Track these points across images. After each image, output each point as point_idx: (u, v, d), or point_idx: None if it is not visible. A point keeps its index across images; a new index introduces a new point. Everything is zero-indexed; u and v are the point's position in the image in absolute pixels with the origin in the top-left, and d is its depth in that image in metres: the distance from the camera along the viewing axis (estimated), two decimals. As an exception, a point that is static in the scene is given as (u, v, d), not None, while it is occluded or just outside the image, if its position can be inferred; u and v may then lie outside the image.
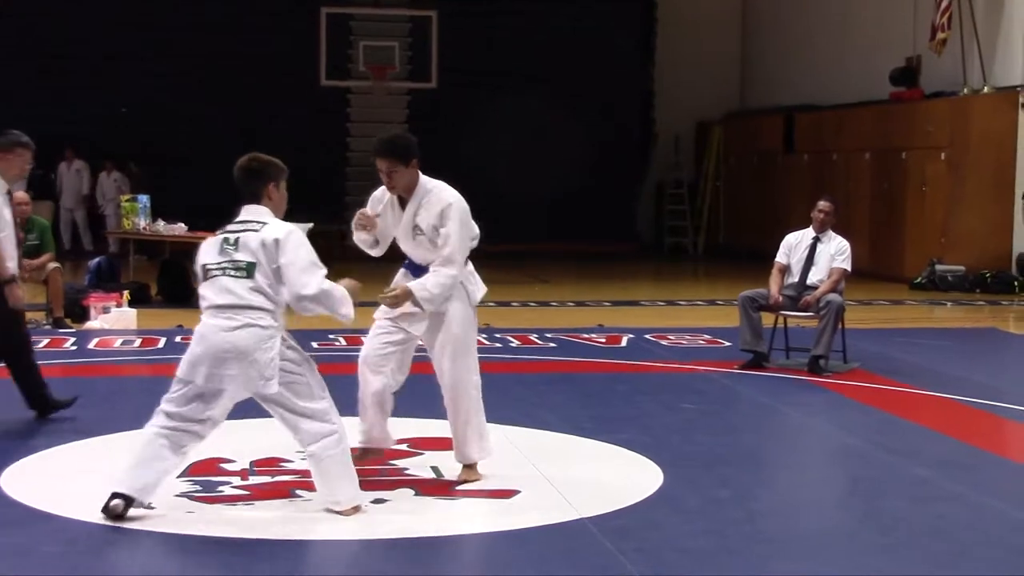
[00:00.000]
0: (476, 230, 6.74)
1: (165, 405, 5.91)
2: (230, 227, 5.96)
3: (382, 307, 6.54)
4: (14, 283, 8.00)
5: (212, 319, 5.81)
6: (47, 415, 8.06)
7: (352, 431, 6.46)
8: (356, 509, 5.97)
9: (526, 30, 24.61)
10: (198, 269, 5.99)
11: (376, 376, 6.76)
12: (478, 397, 6.77)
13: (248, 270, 5.82)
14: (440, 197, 6.52)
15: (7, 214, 8.02)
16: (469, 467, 6.72)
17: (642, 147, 25.61)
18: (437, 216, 6.52)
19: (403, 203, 6.62)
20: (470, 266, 6.76)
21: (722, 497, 6.45)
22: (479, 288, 6.80)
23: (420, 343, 6.77)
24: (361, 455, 6.70)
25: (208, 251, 5.94)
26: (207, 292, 5.88)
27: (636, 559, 5.36)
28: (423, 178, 6.62)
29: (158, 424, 5.89)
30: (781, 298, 10.45)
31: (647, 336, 12.27)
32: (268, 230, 5.87)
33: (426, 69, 24.11)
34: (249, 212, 5.98)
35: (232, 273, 5.83)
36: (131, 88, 22.76)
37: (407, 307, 6.42)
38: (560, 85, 24.49)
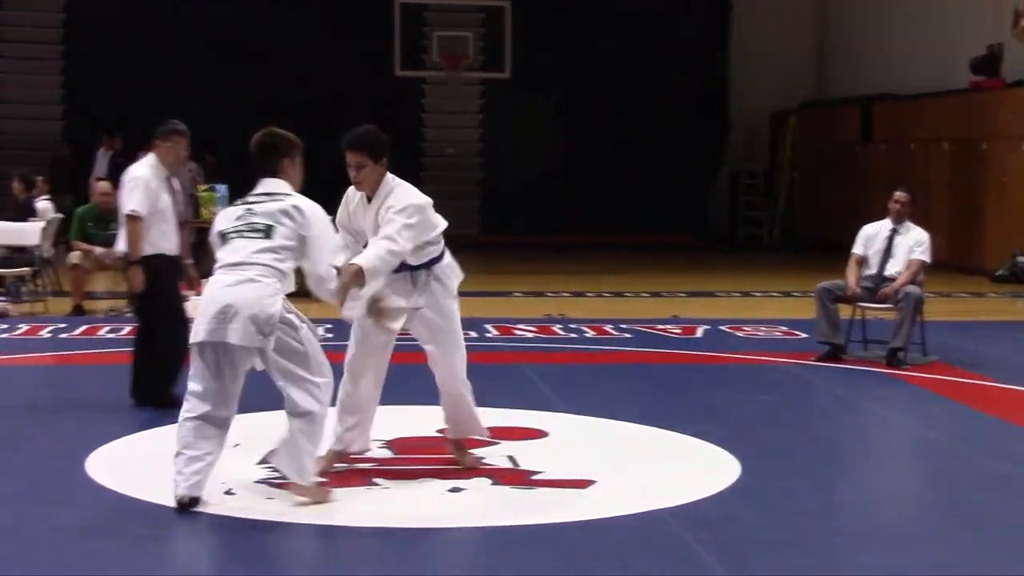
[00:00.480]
0: (439, 225, 6.46)
1: (190, 385, 5.95)
2: (249, 198, 6.04)
3: (357, 308, 6.22)
4: (137, 266, 8.19)
5: (219, 276, 5.90)
6: (145, 404, 8.14)
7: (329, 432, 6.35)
8: (321, 493, 5.94)
9: (599, 19, 24.54)
10: (215, 239, 6.03)
11: (361, 381, 6.58)
12: (467, 383, 6.74)
13: (266, 231, 5.88)
14: (402, 197, 6.26)
15: (166, 199, 8.25)
16: (461, 448, 6.74)
17: (716, 137, 25.45)
18: None
19: (370, 201, 6.40)
20: (448, 258, 6.57)
21: (800, 489, 6.41)
22: (456, 277, 6.66)
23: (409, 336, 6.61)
24: (334, 458, 6.56)
25: (225, 218, 6.03)
26: (221, 254, 5.96)
27: (713, 550, 5.35)
28: (389, 176, 6.39)
29: (189, 411, 5.92)
30: (859, 289, 10.35)
31: (722, 327, 12.20)
32: (290, 200, 5.95)
33: (499, 59, 24.12)
34: (267, 185, 6.06)
35: (247, 234, 5.90)
36: (205, 78, 23.03)
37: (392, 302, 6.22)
38: (632, 74, 24.40)
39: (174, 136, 8.43)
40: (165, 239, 8.24)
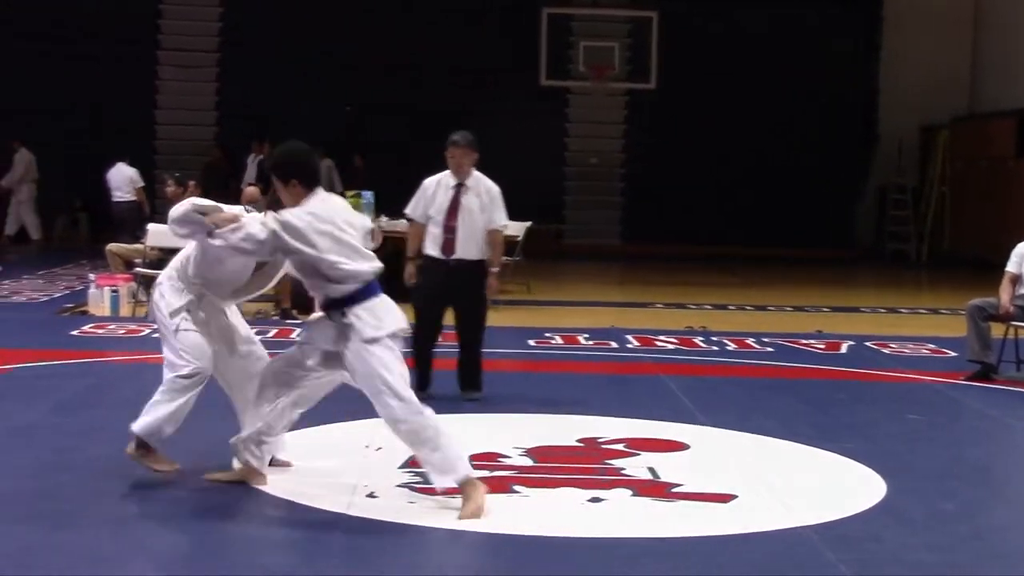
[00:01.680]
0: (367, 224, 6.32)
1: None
2: None
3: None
4: (410, 262, 8.86)
5: None
6: None
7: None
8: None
9: (746, 30, 24.31)
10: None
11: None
12: None
13: None
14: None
15: (442, 203, 8.75)
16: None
17: (863, 150, 25.00)
18: None
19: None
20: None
21: (948, 511, 6.26)
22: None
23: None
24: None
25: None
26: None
27: (858, 570, 5.25)
28: None
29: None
30: (1012, 308, 10.07)
31: (868, 344, 11.98)
32: None
33: (645, 69, 24.04)
34: None
35: None
36: (353, 86, 23.42)
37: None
38: (779, 85, 24.13)
39: (448, 148, 8.86)
40: None
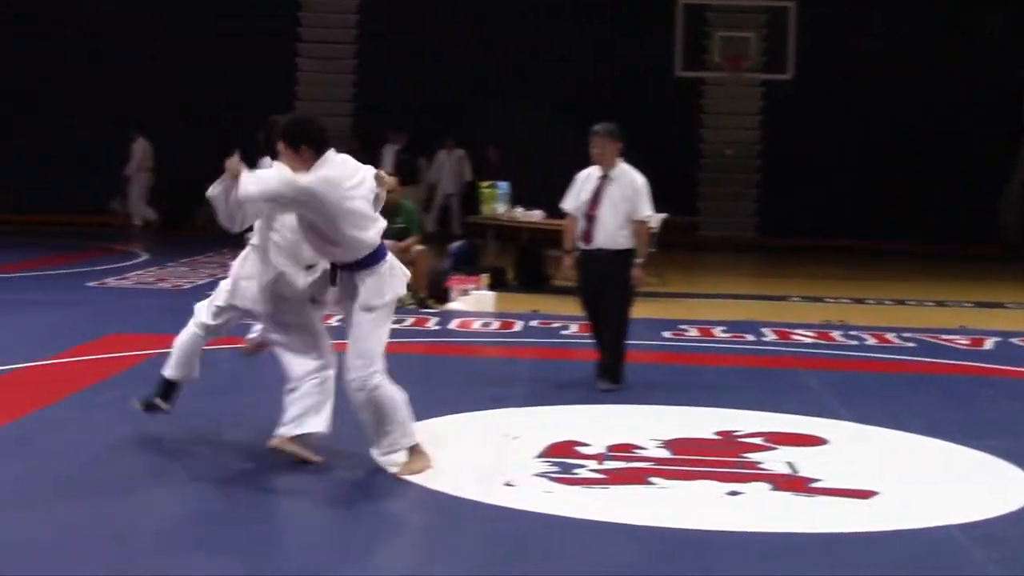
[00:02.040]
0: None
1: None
2: None
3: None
4: (567, 255, 9.11)
5: None
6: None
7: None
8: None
9: (886, 19, 23.86)
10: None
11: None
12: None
13: None
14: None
15: (587, 193, 8.87)
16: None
17: (1010, 142, 24.34)
18: None
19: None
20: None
21: (1101, 513, 6.07)
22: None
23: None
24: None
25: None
26: None
27: (1009, 570, 5.12)
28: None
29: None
30: None
31: (1014, 340, 11.67)
32: None
33: (782, 59, 23.72)
34: None
35: None
36: (488, 77, 23.53)
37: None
38: (921, 75, 23.61)
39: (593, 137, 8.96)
40: None
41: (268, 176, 6.22)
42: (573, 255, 9.02)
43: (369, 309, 6.21)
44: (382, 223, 6.34)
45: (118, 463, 6.43)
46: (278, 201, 6.22)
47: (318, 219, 6.12)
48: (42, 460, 6.50)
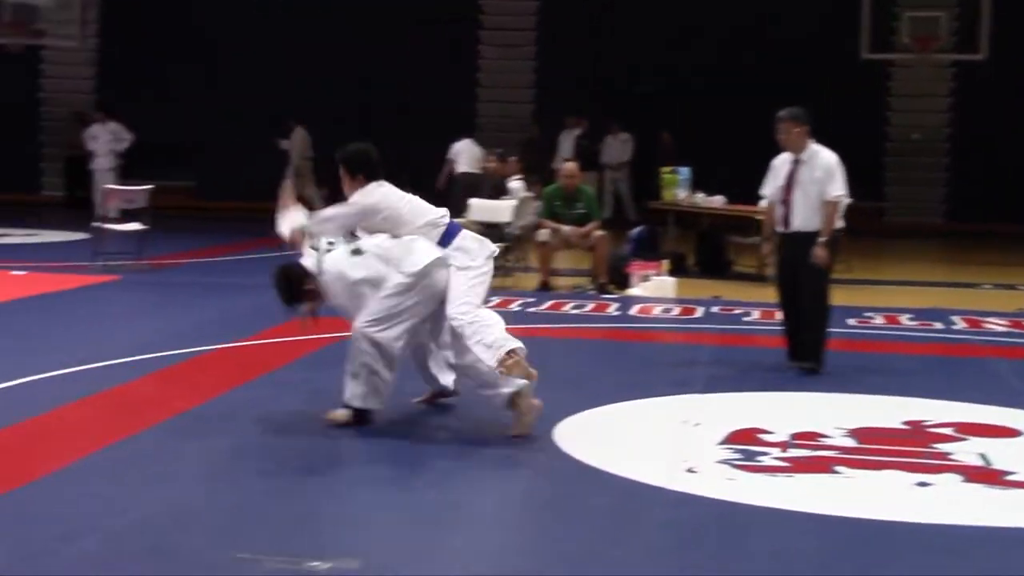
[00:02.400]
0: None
1: None
2: None
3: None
4: (765, 241, 9.34)
5: None
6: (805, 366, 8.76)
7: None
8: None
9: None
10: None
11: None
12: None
13: None
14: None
15: (781, 178, 8.95)
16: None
17: None
18: None
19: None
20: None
21: None
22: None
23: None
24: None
25: None
26: None
27: None
28: None
29: None
30: None
31: None
32: None
33: (975, 39, 22.96)
34: None
35: None
36: (669, 61, 23.38)
37: None
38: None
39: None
40: None
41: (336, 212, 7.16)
42: (771, 241, 9.08)
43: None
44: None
45: (301, 444, 6.61)
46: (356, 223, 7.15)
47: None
48: (245, 435, 6.72)
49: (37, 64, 25.74)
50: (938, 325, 11.22)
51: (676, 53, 23.44)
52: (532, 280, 13.76)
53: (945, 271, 17.01)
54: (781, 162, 8.98)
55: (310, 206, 9.44)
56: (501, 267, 14.18)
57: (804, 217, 8.78)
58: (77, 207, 22.99)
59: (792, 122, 8.84)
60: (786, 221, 8.87)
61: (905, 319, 11.56)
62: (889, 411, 7.59)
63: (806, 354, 8.85)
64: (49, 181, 25.74)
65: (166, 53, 24.40)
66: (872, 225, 21.76)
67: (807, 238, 8.75)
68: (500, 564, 4.85)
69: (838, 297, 13.06)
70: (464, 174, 18.08)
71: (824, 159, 8.82)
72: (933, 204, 24.21)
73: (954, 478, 6.15)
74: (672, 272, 13.76)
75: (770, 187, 9.01)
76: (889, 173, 24.32)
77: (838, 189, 8.78)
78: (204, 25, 24.38)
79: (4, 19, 24.04)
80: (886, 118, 24.35)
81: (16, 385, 7.69)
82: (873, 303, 12.52)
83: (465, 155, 19.00)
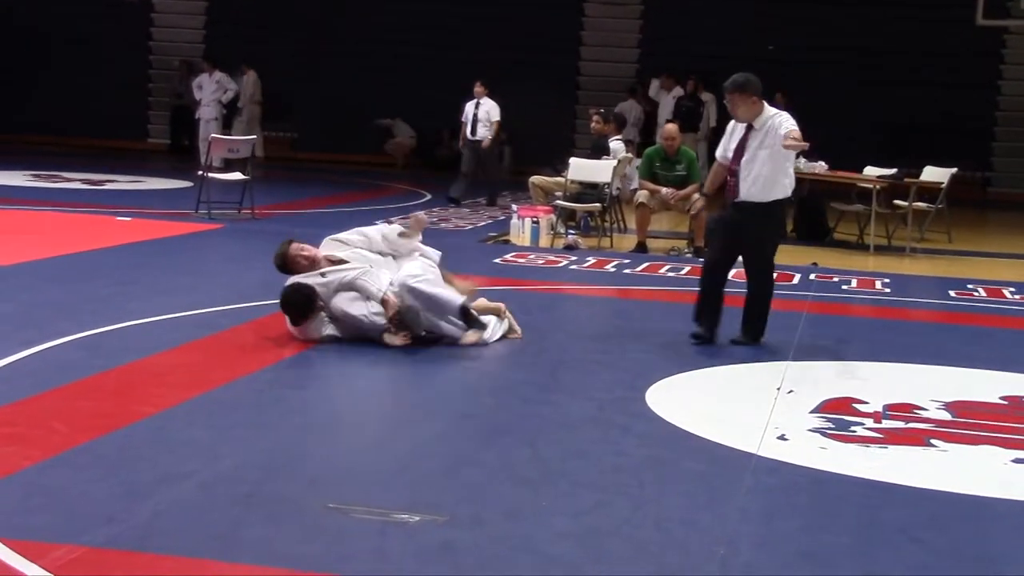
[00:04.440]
0: None
1: None
2: None
3: None
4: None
5: None
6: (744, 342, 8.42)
7: None
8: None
9: None
10: None
11: None
12: None
13: None
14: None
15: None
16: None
17: None
18: None
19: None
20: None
21: None
22: None
23: None
24: None
25: None
26: None
27: None
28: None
29: None
30: None
31: None
32: None
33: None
34: None
35: None
36: (774, 24, 23.08)
37: None
38: None
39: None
40: None
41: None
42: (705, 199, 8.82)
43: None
44: None
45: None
46: None
47: None
48: (340, 387, 6.78)
49: (149, 12, 26.14)
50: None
51: (784, 15, 23.15)
52: (629, 241, 13.72)
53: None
54: (735, 127, 8.46)
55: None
56: (599, 227, 14.21)
57: (754, 187, 8.26)
58: (181, 155, 23.40)
59: (737, 92, 8.28)
60: (735, 189, 8.32)
61: (1008, 292, 11.36)
62: (987, 385, 7.48)
63: (748, 330, 8.42)
64: (155, 129, 26.17)
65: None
66: (976, 196, 21.38)
67: (755, 208, 8.26)
68: (588, 524, 4.87)
69: (940, 268, 12.92)
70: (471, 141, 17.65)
71: (778, 123, 8.23)
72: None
73: (1052, 456, 6.06)
74: (771, 237, 13.61)
75: (721, 149, 8.53)
76: (997, 143, 23.82)
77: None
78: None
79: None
80: (997, 87, 23.81)
81: (120, 328, 7.88)
82: (975, 275, 12.32)
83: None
